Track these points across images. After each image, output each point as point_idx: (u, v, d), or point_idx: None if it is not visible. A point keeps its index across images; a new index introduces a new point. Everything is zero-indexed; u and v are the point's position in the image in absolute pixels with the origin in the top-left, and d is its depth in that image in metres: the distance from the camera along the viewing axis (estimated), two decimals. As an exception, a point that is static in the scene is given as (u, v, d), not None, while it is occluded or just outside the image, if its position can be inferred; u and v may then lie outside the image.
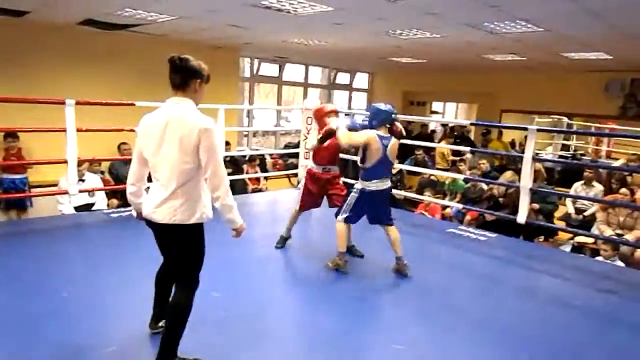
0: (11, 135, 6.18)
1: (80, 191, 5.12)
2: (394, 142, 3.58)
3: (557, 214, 6.78)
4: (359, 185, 3.63)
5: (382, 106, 3.61)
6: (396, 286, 3.60)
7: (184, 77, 2.37)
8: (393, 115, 3.57)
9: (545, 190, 6.07)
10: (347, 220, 3.68)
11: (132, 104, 5.15)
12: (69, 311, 2.85)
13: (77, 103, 4.62)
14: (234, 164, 8.11)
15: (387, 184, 3.66)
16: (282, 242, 4.23)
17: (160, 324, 2.50)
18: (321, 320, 2.94)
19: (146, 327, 2.62)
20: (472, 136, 10.69)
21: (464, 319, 3.08)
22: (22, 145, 6.37)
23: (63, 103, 4.55)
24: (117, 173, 6.99)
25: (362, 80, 13.24)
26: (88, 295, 3.07)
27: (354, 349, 2.66)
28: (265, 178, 8.37)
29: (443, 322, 3.03)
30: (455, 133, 10.30)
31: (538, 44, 6.39)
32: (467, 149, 7.17)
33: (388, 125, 3.56)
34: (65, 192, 4.94)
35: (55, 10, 5.86)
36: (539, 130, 4.85)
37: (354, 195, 3.63)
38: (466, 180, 7.15)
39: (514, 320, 3.10)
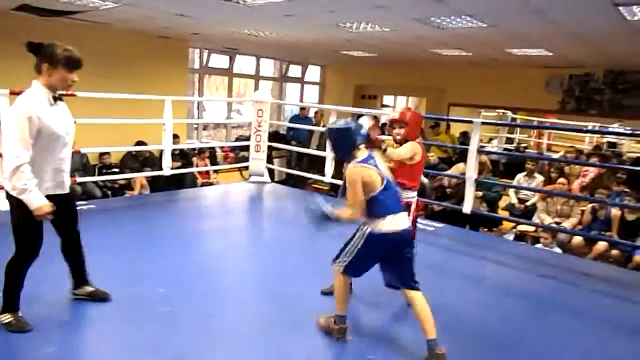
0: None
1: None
2: (379, 157, 2.68)
3: (501, 204, 7.05)
4: (365, 226, 2.56)
5: (342, 124, 2.62)
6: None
7: (36, 62, 2.54)
8: (362, 130, 2.61)
9: (490, 181, 6.29)
10: (347, 272, 2.62)
11: (73, 95, 4.92)
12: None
13: (12, 93, 4.38)
14: (183, 157, 7.93)
15: (404, 220, 2.57)
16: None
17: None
18: (273, 314, 2.92)
19: (94, 320, 2.52)
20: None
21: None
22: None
23: (-5, 93, 4.29)
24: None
25: (314, 73, 13.23)
26: (28, 293, 2.92)
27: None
28: (216, 171, 8.24)
29: (391, 310, 3.08)
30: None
31: (483, 40, 6.58)
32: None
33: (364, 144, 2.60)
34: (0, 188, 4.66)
35: (-13, -7, 5.51)
36: (484, 123, 5.02)
37: (358, 239, 2.57)
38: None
39: (458, 306, 3.19)
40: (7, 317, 2.49)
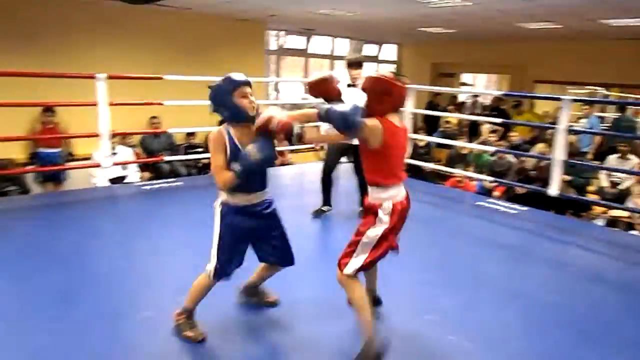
0: (49, 109, 6.34)
1: (113, 164, 5.25)
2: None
3: (590, 187, 6.63)
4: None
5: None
6: (423, 258, 3.60)
7: None
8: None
9: (579, 162, 5.92)
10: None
11: (160, 78, 5.21)
12: (105, 278, 2.96)
13: (109, 77, 4.70)
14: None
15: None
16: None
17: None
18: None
19: (177, 293, 2.70)
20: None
21: (491, 289, 3.07)
22: (58, 120, 6.53)
23: (93, 77, 4.63)
24: (148, 146, 7.13)
25: (389, 51, 13.01)
26: (123, 264, 3.18)
27: (387, 317, 2.69)
28: (292, 151, 8.39)
29: (471, 293, 3.03)
30: (486, 105, 10.11)
31: (574, 11, 6.13)
32: (499, 120, 6.99)
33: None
34: (98, 165, 5.07)
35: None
36: (574, 100, 4.71)
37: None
38: (493, 154, 7.02)
39: (542, 292, 3.07)
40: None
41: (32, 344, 2.25)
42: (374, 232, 2.17)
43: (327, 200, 4.30)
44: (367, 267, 2.25)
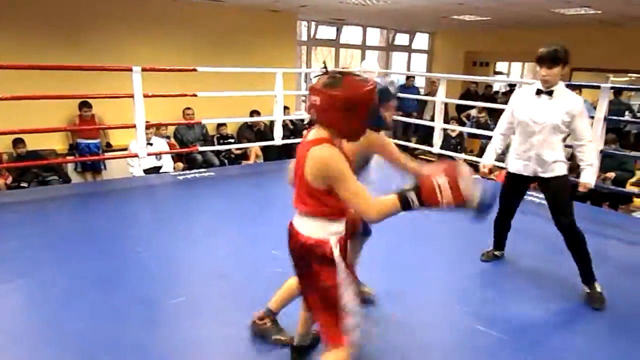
0: (85, 104, 6.54)
1: (149, 154, 5.38)
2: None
3: (631, 179, 6.40)
4: None
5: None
6: (460, 250, 3.58)
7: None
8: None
9: (619, 152, 5.73)
10: None
11: (194, 70, 5.29)
12: (140, 265, 3.06)
13: (143, 70, 4.81)
14: (293, 127, 8.21)
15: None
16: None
17: None
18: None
19: (213, 280, 2.77)
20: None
21: (529, 281, 3.04)
22: (96, 112, 6.73)
23: (130, 70, 4.75)
24: (181, 137, 7.27)
25: (422, 41, 12.81)
26: (158, 251, 3.28)
27: (419, 308, 2.70)
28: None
29: (509, 286, 3.00)
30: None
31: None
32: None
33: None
34: (135, 155, 5.21)
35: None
36: (613, 88, 4.55)
37: None
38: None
39: (576, 282, 3.00)
40: None
41: (74, 327, 2.35)
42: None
43: (500, 245, 3.38)
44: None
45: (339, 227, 1.68)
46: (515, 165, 3.00)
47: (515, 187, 3.09)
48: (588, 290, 2.78)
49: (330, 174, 1.53)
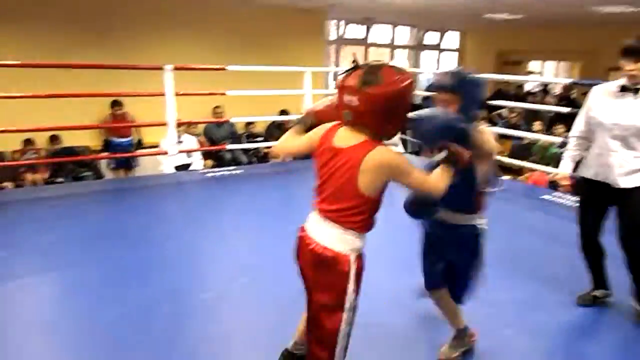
0: (116, 103, 6.71)
1: (179, 152, 5.48)
2: None
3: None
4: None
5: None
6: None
7: None
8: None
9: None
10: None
11: (223, 69, 5.36)
12: (171, 260, 3.13)
13: (175, 68, 4.90)
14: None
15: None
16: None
17: None
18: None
19: (239, 276, 2.80)
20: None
21: (552, 286, 2.97)
22: (127, 111, 6.89)
23: (161, 69, 4.85)
24: (211, 135, 7.38)
25: (452, 39, 12.66)
26: (188, 247, 3.35)
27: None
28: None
29: (531, 289, 2.94)
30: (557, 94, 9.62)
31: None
32: (566, 109, 6.63)
33: None
34: (166, 153, 5.32)
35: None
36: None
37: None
38: (562, 145, 6.64)
39: (620, 281, 2.92)
40: None
41: (106, 318, 2.42)
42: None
43: (599, 282, 2.73)
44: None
45: (362, 243, 1.62)
46: (589, 172, 2.58)
47: (593, 198, 2.60)
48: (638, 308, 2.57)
49: (398, 172, 1.55)
